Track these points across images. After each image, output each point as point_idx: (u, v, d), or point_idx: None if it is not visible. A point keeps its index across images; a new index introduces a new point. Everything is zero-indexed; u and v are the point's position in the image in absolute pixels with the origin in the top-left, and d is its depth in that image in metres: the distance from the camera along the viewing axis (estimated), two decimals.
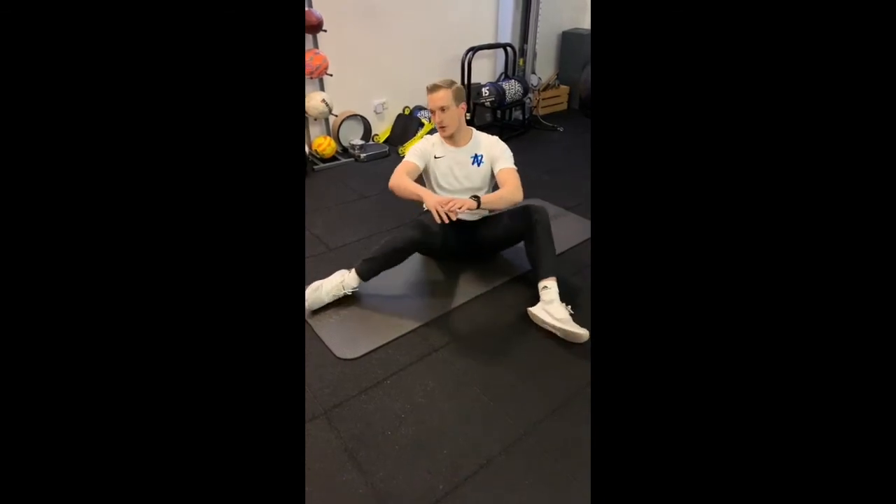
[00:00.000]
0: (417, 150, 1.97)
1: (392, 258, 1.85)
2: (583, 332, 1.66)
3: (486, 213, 1.99)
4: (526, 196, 1.90)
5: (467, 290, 2.01)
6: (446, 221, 1.67)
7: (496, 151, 1.93)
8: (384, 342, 1.72)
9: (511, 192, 1.85)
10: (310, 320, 1.81)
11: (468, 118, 3.70)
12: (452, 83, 1.87)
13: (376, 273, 1.87)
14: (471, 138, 1.96)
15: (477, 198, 1.78)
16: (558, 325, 1.69)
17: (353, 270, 1.86)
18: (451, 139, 1.94)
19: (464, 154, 1.94)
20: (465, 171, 1.95)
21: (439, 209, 1.66)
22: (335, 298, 1.86)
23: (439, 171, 1.98)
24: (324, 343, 1.71)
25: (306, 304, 1.81)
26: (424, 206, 1.77)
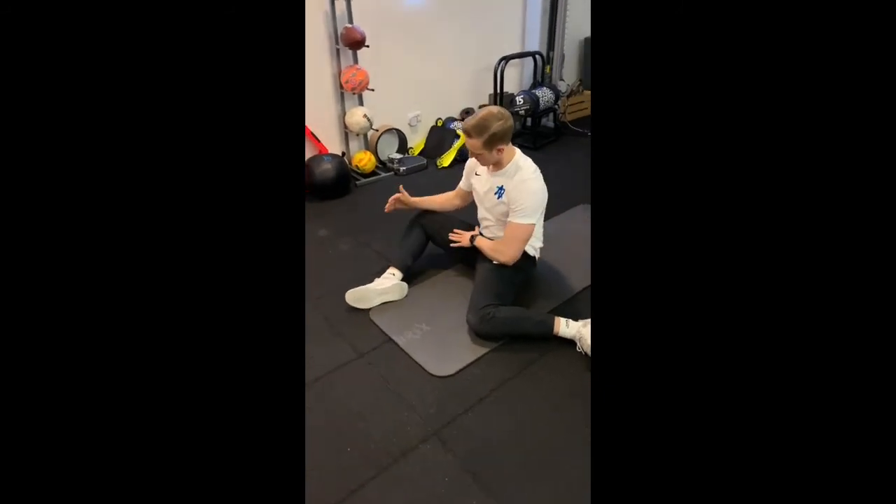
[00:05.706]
0: (465, 170, 2.01)
1: (409, 237, 2.09)
2: None
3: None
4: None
5: (550, 298, 1.98)
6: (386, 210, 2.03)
7: (520, 198, 1.74)
8: (476, 357, 1.69)
9: (500, 248, 1.82)
10: (395, 338, 1.78)
11: None
12: (485, 129, 1.64)
13: (406, 258, 2.05)
14: (506, 165, 1.78)
15: (472, 238, 1.91)
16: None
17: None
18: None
19: (493, 181, 1.83)
20: (490, 200, 1.86)
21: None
22: (384, 293, 1.97)
23: (475, 188, 1.95)
24: (416, 362, 1.68)
25: (354, 298, 1.93)
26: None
